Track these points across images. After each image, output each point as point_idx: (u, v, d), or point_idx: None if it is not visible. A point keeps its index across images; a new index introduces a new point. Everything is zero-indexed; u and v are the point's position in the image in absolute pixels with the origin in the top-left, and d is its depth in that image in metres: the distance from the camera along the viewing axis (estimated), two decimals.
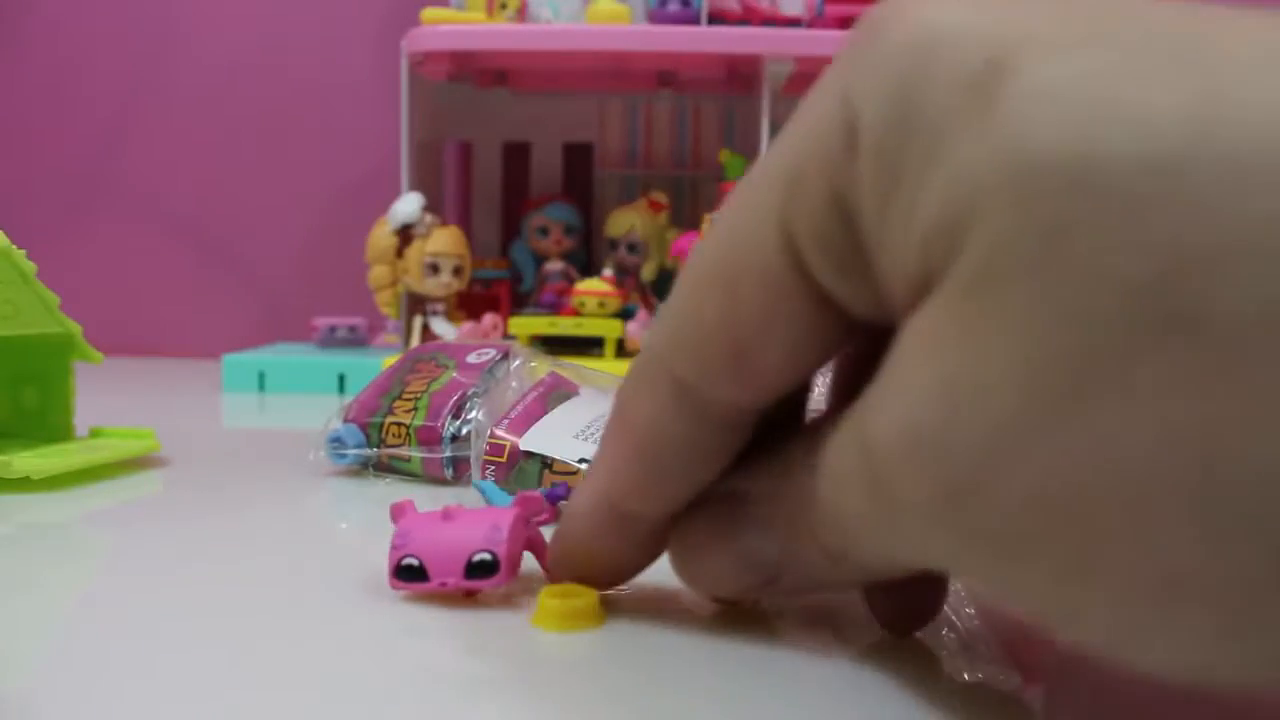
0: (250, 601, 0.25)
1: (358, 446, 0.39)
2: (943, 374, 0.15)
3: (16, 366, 0.42)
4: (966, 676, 0.21)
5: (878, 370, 0.17)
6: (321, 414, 0.42)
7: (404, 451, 0.38)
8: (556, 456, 0.32)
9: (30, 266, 0.38)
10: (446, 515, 0.25)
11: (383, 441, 0.39)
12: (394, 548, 0.25)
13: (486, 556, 0.24)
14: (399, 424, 0.38)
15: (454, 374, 0.40)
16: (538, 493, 0.27)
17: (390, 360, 0.59)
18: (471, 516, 0.25)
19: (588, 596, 0.24)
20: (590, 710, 0.20)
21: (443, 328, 0.66)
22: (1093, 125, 0.13)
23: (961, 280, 0.15)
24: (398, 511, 0.26)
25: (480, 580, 0.24)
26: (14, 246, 0.38)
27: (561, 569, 0.25)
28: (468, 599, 0.25)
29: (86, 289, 0.86)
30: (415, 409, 0.38)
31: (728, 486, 0.21)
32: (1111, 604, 0.14)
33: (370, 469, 0.39)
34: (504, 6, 0.69)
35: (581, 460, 0.32)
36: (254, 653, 0.22)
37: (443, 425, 0.38)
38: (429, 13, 0.66)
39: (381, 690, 0.20)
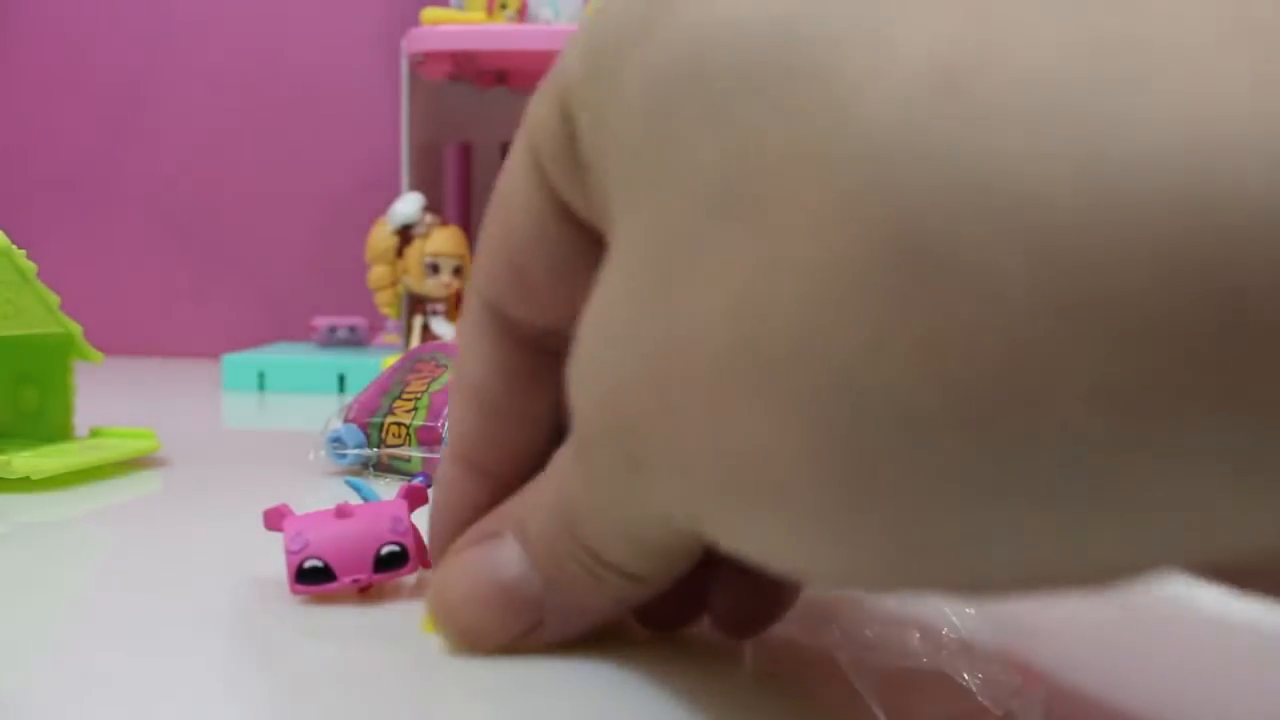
0: (250, 601, 0.25)
1: (358, 446, 0.39)
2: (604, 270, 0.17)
3: (16, 366, 0.42)
4: (966, 677, 0.21)
5: None
6: (321, 414, 0.42)
7: (404, 451, 0.38)
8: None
9: (30, 266, 0.38)
10: (340, 513, 0.25)
11: (383, 441, 0.39)
12: (290, 552, 0.24)
13: (395, 548, 0.25)
14: (399, 424, 0.38)
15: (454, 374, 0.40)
16: (422, 484, 0.27)
17: (390, 360, 0.59)
18: (367, 511, 0.25)
19: None
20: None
21: (443, 328, 0.66)
22: (701, 38, 0.15)
23: (615, 183, 0.17)
24: (276, 516, 0.25)
25: (391, 572, 0.25)
26: (14, 246, 0.38)
27: (433, 539, 0.24)
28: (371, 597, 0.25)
29: (86, 289, 0.86)
30: (415, 409, 0.38)
31: (484, 528, 0.21)
32: (701, 491, 0.15)
33: (370, 469, 0.39)
34: (504, 6, 0.69)
35: None
36: (255, 653, 0.22)
37: (443, 425, 0.38)
38: (429, 13, 0.66)
39: (385, 690, 0.20)
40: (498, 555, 0.21)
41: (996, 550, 0.12)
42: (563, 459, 0.20)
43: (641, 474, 0.16)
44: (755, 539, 0.15)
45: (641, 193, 0.16)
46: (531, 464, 0.22)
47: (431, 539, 0.24)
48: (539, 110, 0.19)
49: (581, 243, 0.19)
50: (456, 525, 0.23)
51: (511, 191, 0.20)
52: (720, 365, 0.14)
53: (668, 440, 0.15)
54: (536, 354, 0.21)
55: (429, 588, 0.22)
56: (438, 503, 0.23)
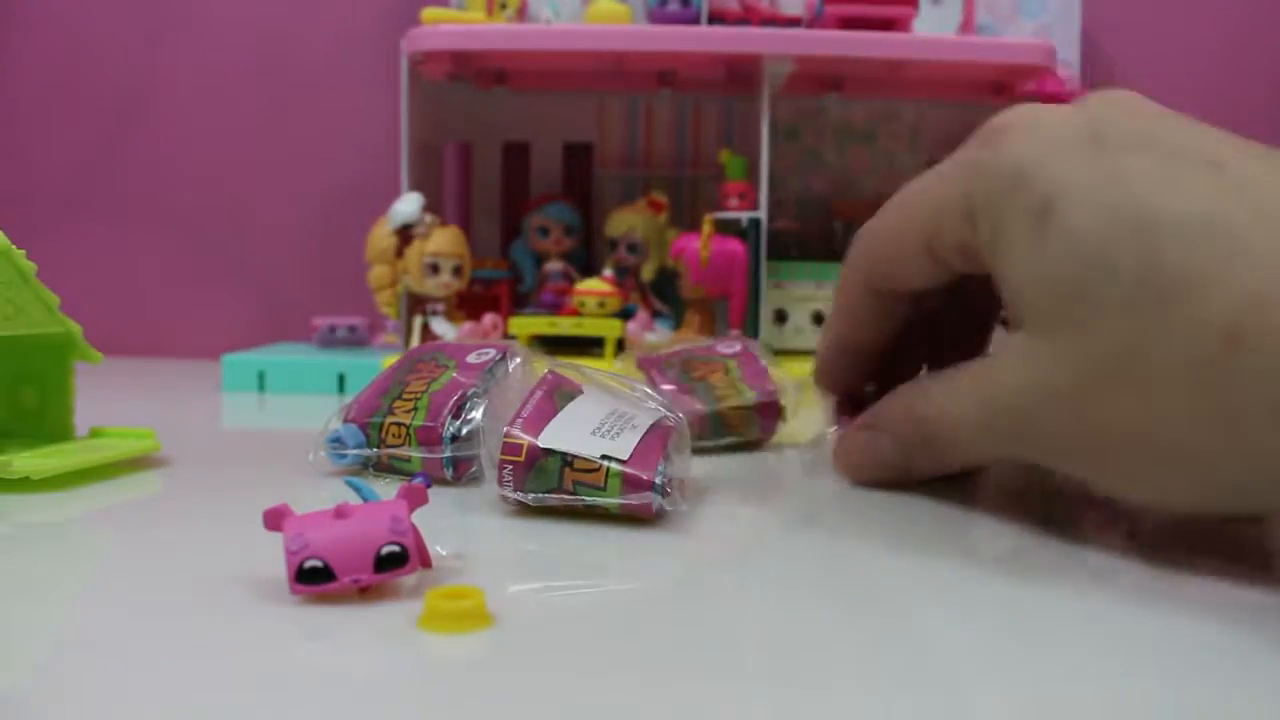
0: (250, 602, 0.25)
1: (358, 446, 0.39)
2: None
3: (16, 366, 0.42)
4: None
5: (981, 347, 0.38)
6: (321, 414, 0.42)
7: (404, 451, 0.38)
8: (579, 453, 0.32)
9: (30, 266, 0.38)
10: (340, 513, 0.25)
11: (383, 441, 0.39)
12: (290, 552, 0.24)
13: (395, 548, 0.25)
14: (399, 424, 0.38)
15: (454, 374, 0.40)
16: (421, 484, 0.27)
17: (390, 360, 0.59)
18: (367, 511, 0.25)
19: (474, 598, 0.24)
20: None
21: (443, 328, 0.66)
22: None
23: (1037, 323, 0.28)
24: (276, 516, 0.25)
25: (391, 572, 0.25)
26: (14, 246, 0.38)
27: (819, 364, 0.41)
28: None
29: (86, 289, 0.86)
30: (415, 409, 0.38)
31: (868, 420, 0.37)
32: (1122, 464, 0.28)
33: (370, 469, 0.39)
34: (504, 6, 0.69)
35: (604, 456, 0.32)
36: (255, 653, 0.22)
37: (443, 425, 0.38)
38: (429, 13, 0.66)
39: (385, 690, 0.20)
40: (877, 442, 0.36)
41: None
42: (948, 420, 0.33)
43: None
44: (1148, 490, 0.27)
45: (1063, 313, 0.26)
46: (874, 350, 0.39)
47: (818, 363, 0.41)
48: (939, 235, 0.32)
49: (941, 271, 0.33)
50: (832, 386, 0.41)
51: (907, 236, 0.33)
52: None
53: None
54: (888, 301, 0.37)
55: (836, 447, 0.39)
56: (821, 370, 0.41)
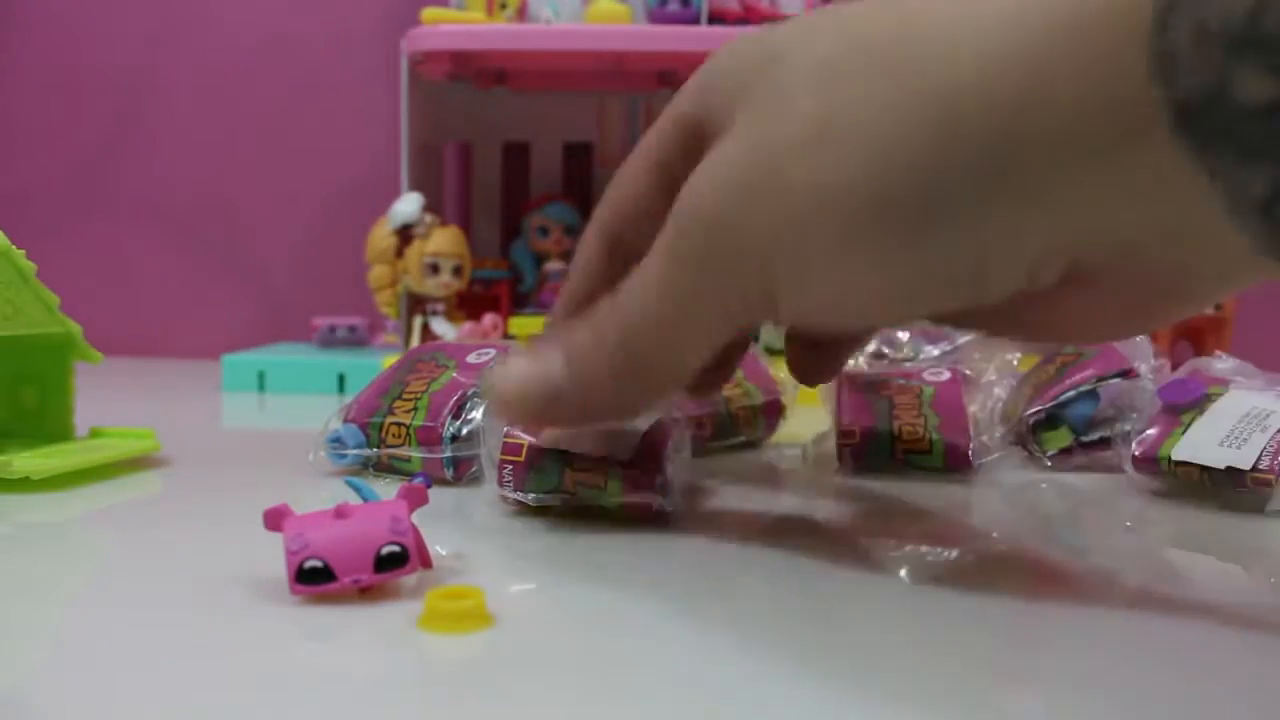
0: (250, 602, 0.25)
1: (358, 446, 0.39)
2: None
3: (16, 366, 0.42)
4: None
5: None
6: (321, 414, 0.42)
7: (404, 451, 0.38)
8: (580, 452, 0.32)
9: (30, 266, 0.38)
10: (340, 513, 0.25)
11: (383, 441, 0.39)
12: (290, 552, 0.24)
13: (395, 548, 0.25)
14: (399, 424, 0.38)
15: (454, 374, 0.40)
16: (421, 484, 0.27)
17: (390, 360, 0.59)
18: (366, 511, 0.25)
19: (474, 598, 0.24)
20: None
21: (443, 328, 0.66)
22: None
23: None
24: (276, 516, 0.25)
25: (391, 572, 0.25)
26: (14, 246, 0.38)
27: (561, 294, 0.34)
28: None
29: (86, 289, 0.86)
30: (415, 409, 0.38)
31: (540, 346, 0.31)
32: (793, 242, 0.24)
33: (370, 469, 0.39)
34: (504, 6, 0.69)
35: (604, 456, 0.32)
36: (255, 653, 0.22)
37: (443, 425, 0.38)
38: (429, 13, 0.66)
39: (385, 690, 0.20)
40: (548, 362, 0.29)
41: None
42: (627, 293, 0.28)
43: (737, 259, 0.25)
44: (822, 284, 0.24)
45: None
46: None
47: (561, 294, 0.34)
48: (668, 116, 0.33)
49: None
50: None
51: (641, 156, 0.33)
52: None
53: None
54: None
55: (490, 377, 0.31)
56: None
